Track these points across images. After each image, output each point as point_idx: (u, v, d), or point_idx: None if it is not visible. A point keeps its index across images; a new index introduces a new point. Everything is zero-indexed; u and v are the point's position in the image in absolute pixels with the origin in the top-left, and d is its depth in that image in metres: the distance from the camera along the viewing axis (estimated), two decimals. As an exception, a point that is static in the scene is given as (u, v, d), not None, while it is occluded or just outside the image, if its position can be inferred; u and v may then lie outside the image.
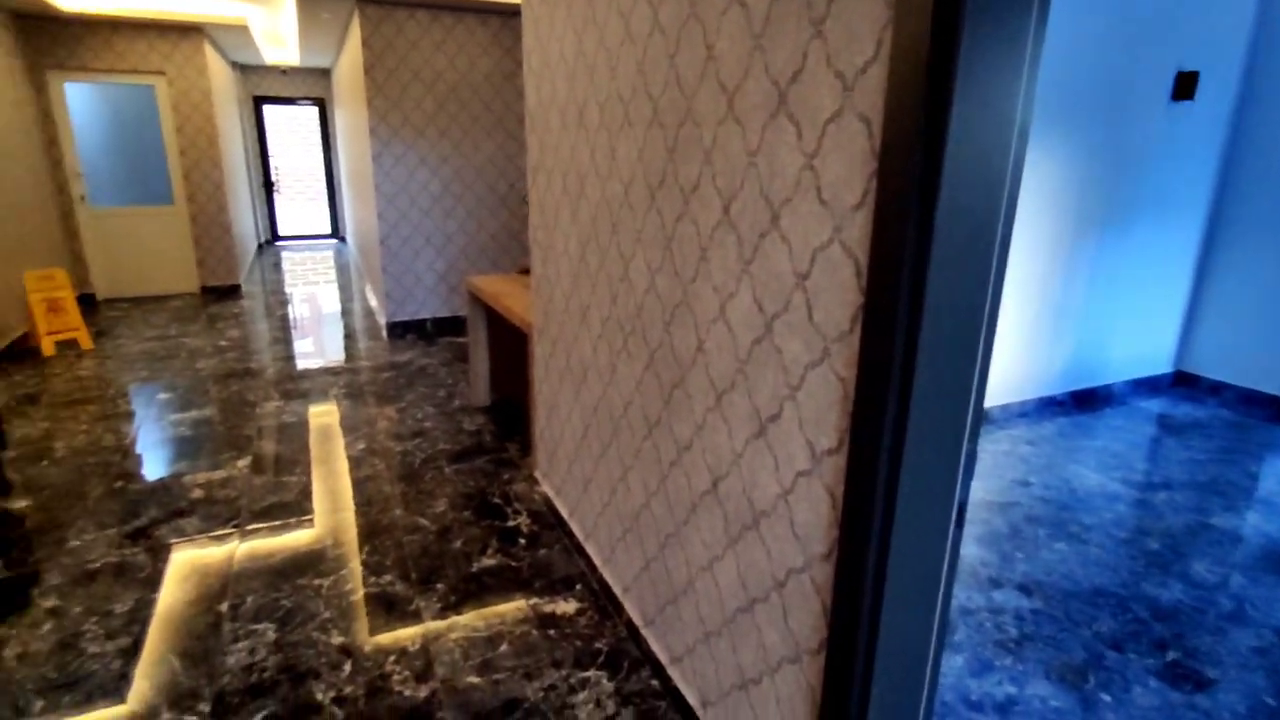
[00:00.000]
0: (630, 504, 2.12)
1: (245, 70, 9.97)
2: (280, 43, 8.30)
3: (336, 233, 11.36)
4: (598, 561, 2.46)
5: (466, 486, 3.21)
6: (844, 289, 1.15)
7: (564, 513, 2.79)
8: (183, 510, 2.98)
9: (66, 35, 6.25)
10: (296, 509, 2.99)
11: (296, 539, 2.77)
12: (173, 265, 7.08)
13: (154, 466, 3.38)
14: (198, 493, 3.13)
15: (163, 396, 4.31)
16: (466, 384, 4.55)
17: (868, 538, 1.12)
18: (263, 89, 10.13)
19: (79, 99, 6.54)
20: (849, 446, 1.15)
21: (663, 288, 1.77)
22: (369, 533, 2.81)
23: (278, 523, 2.88)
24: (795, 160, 1.23)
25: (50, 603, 2.38)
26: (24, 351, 5.12)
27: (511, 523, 2.91)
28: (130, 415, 4.00)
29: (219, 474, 3.30)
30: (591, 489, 2.45)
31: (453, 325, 5.94)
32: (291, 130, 14.23)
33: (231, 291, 7.30)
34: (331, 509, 2.99)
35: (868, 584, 1.14)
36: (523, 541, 2.77)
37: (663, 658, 2.00)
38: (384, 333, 5.81)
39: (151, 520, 2.90)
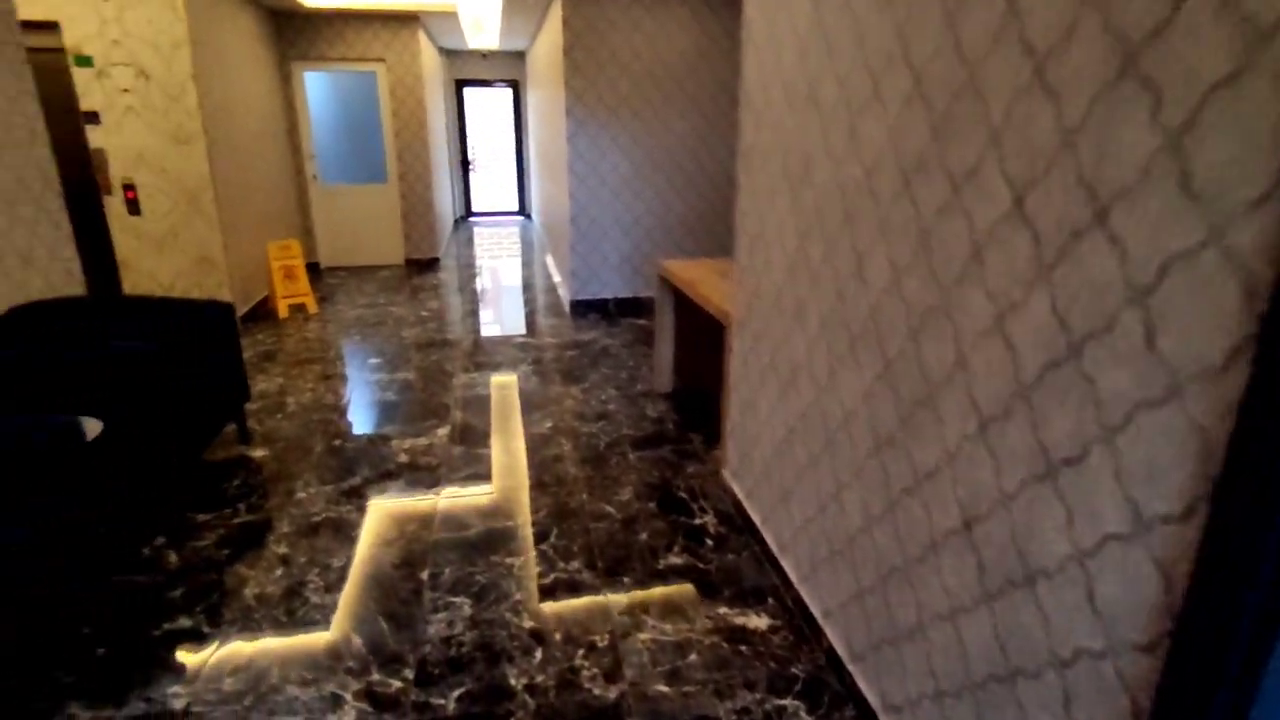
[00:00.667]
0: (843, 525, 1.92)
1: (450, 55, 10.64)
2: (482, 28, 8.71)
3: (523, 210, 11.91)
4: (794, 577, 2.28)
5: (651, 476, 3.15)
6: (1219, 312, 0.87)
7: (755, 519, 2.63)
8: (390, 472, 3.18)
9: (308, 28, 6.94)
10: (489, 483, 3.08)
11: (490, 514, 2.84)
12: (383, 238, 7.73)
13: (365, 426, 3.65)
14: (403, 457, 3.33)
15: (373, 360, 4.67)
16: (649, 368, 4.51)
17: (1230, 647, 0.85)
18: (464, 72, 10.76)
19: (313, 87, 7.25)
20: (1207, 519, 0.88)
21: (911, 289, 1.54)
22: (557, 515, 2.83)
23: (472, 494, 2.98)
24: (1145, 140, 0.96)
25: (281, 549, 2.61)
26: (264, 313, 5.80)
27: (698, 520, 2.80)
28: (345, 377, 4.37)
29: (421, 441, 3.50)
30: (792, 500, 2.27)
31: (633, 307, 5.95)
32: (488, 111, 14.99)
33: (431, 264, 7.84)
34: (520, 485, 3.05)
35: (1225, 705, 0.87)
36: (710, 542, 2.65)
37: (873, 701, 1.79)
38: (567, 310, 5.94)
39: (363, 480, 3.11)
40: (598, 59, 5.32)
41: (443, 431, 3.61)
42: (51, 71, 4.81)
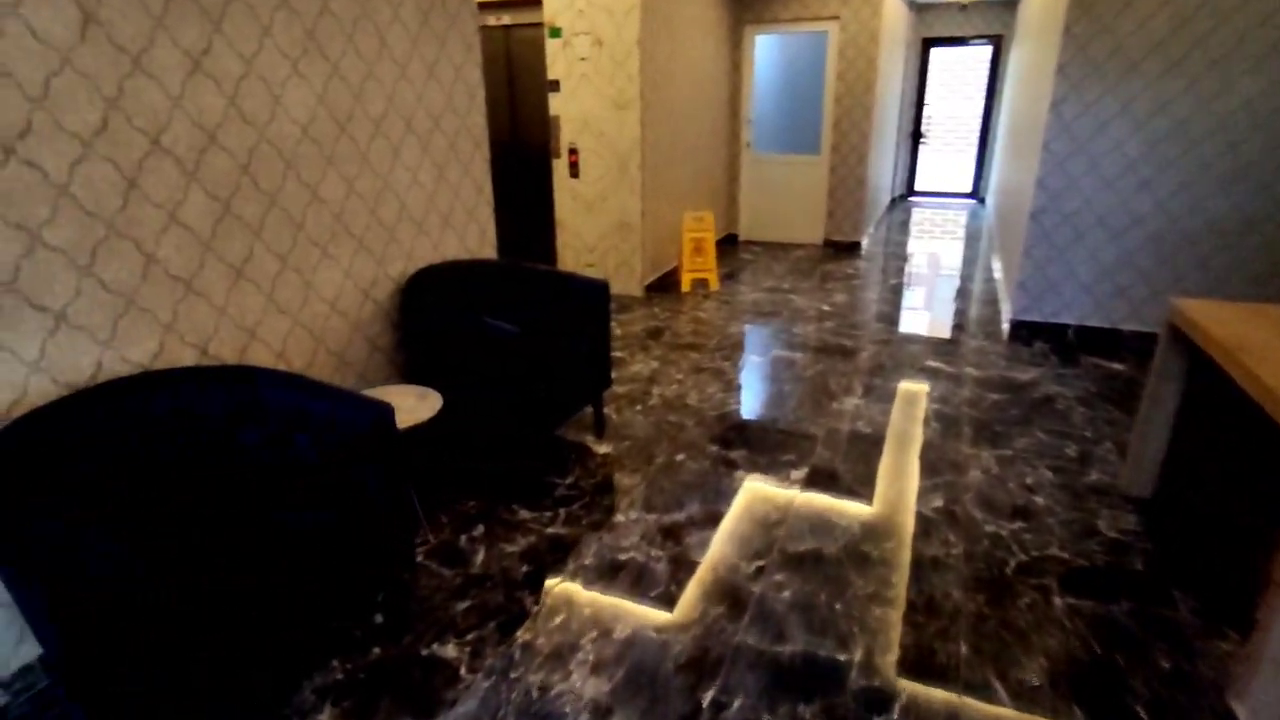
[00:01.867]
0: None
1: (920, 10, 9.34)
2: (968, -29, 7.27)
3: (975, 193, 10.13)
4: None
5: (1086, 650, 1.95)
6: None
7: None
8: (716, 515, 2.59)
9: (767, -12, 6.56)
10: (829, 572, 2.27)
11: (815, 628, 2.04)
12: (805, 215, 7.15)
13: (715, 444, 3.13)
14: (740, 498, 2.71)
15: (752, 358, 4.14)
16: (1117, 450, 3.06)
17: None
18: (935, 29, 9.36)
19: (759, 49, 6.90)
20: None
21: None
22: (913, 664, 1.89)
23: (801, 583, 2.21)
24: None
25: (567, 591, 2.23)
26: (669, 283, 5.74)
27: (1169, 797, 1.57)
28: (717, 374, 3.92)
29: (768, 480, 2.83)
30: None
31: (1105, 343, 4.28)
32: (955, 74, 13.19)
33: (851, 249, 7.01)
34: (873, 593, 2.17)
35: None
36: None
37: None
38: (1003, 331, 4.57)
39: (688, 519, 2.58)
40: (1126, -11, 3.73)
41: (797, 474, 2.88)
42: (533, 45, 5.28)
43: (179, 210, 2.13)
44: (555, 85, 5.23)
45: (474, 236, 3.48)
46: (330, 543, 1.89)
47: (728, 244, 7.33)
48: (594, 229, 5.44)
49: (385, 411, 2.02)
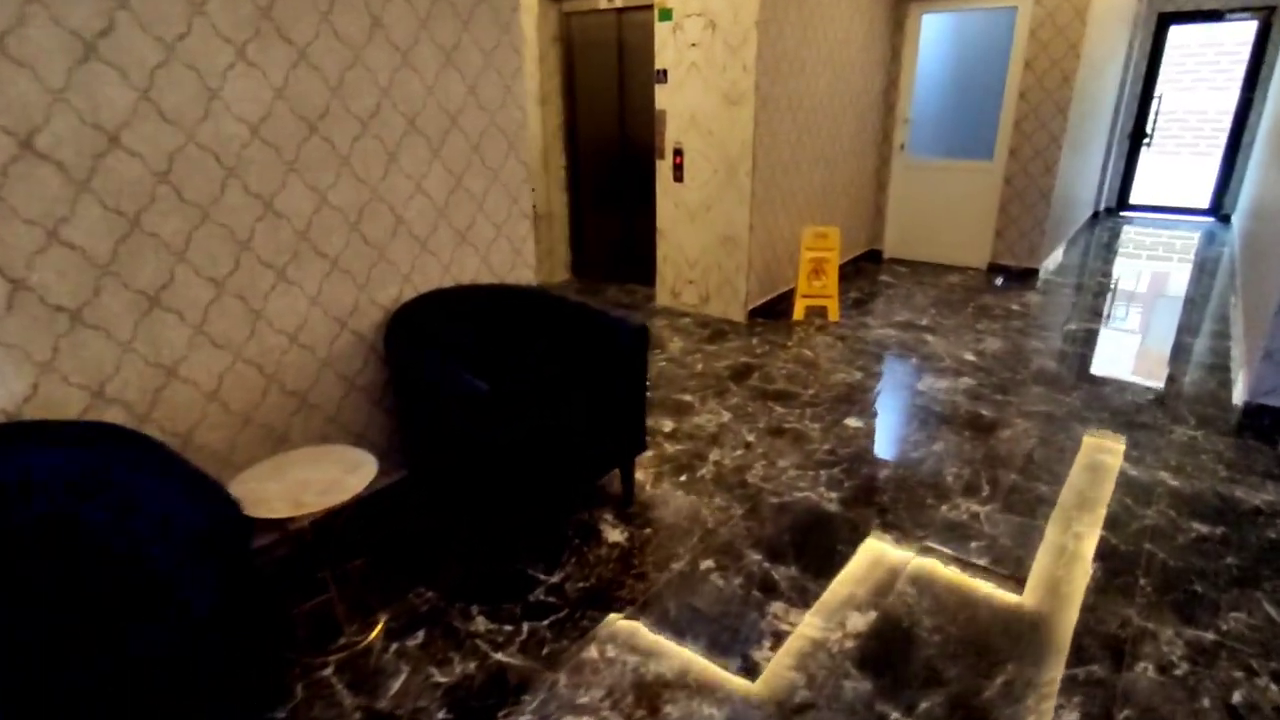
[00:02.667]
0: None
1: (1161, -19, 7.52)
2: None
3: (1216, 209, 8.06)
4: None
5: None
6: None
7: None
8: (735, 661, 1.84)
9: (942, -44, 5.42)
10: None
11: None
12: (966, 232, 5.91)
13: (757, 551, 2.34)
14: (766, 648, 1.93)
15: (849, 424, 3.25)
16: (1407, 660, 1.89)
17: None
18: (1177, 1, 7.50)
19: (927, 34, 5.75)
20: None
21: None
22: None
23: None
24: None
25: None
26: (781, 308, 4.88)
27: None
28: (798, 440, 3.09)
29: (819, 628, 2.01)
30: None
31: (1400, 449, 2.89)
32: (1202, 59, 10.88)
33: (1023, 277, 5.68)
34: None
35: None
36: None
37: None
38: (1231, 418, 3.27)
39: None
40: None
41: (854, 624, 2.04)
42: (649, 31, 4.65)
43: (61, 228, 1.75)
44: (663, 76, 4.56)
45: (502, 257, 2.93)
46: (152, 673, 1.40)
47: (869, 261, 6.27)
48: (696, 241, 4.73)
49: (225, 507, 1.50)
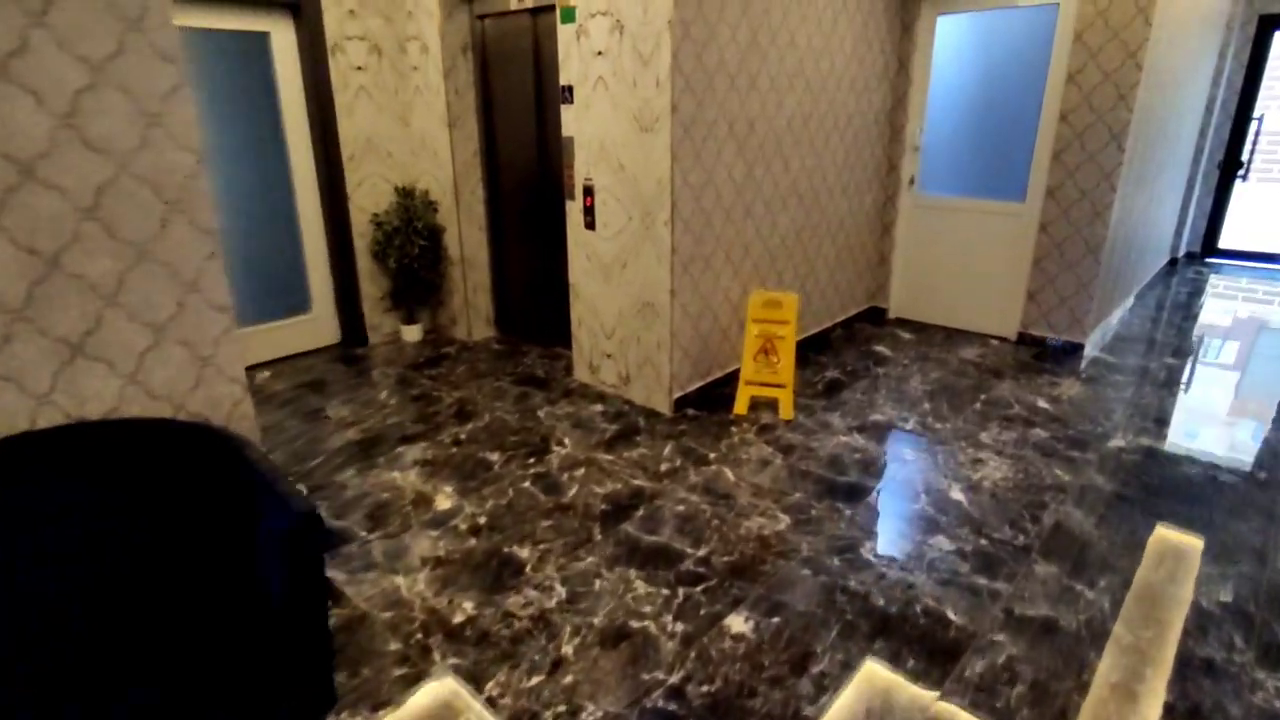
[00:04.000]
0: None
1: (1262, -24, 6.06)
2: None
3: (1329, 254, 6.47)
4: None
5: None
6: None
7: None
8: None
9: (962, -59, 4.22)
10: None
11: None
12: (990, 293, 4.64)
13: None
14: None
15: (735, 628, 2.12)
16: None
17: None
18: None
19: (941, 40, 4.54)
20: None
21: None
22: None
23: None
24: None
25: None
26: (718, 397, 3.75)
27: None
28: (638, 673, 1.98)
29: None
30: None
31: None
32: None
33: (1063, 355, 4.37)
34: None
35: None
36: None
37: None
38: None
39: None
40: None
41: None
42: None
43: None
44: (568, 94, 3.54)
45: (173, 372, 1.93)
46: None
47: (869, 321, 5.06)
48: (612, 305, 3.67)
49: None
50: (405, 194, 4.49)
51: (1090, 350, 4.39)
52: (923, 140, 4.71)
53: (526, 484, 2.92)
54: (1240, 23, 6.18)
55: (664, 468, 3.04)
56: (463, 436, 3.34)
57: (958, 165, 4.69)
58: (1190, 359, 4.31)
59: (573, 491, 2.86)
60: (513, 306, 4.73)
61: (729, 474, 2.99)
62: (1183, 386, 3.88)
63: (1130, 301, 5.37)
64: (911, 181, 4.79)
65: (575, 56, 3.43)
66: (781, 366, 3.50)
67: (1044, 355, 4.34)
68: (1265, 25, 6.21)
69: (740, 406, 3.57)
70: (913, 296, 5.01)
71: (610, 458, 3.14)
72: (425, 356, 4.41)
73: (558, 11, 3.44)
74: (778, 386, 3.52)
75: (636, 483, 2.92)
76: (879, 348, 4.52)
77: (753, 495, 2.82)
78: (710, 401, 3.70)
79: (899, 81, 4.66)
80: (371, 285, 4.57)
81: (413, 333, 4.70)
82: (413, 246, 4.43)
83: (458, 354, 4.46)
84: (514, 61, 4.11)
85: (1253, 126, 6.53)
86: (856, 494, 2.83)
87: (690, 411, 3.59)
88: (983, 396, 3.75)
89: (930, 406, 3.63)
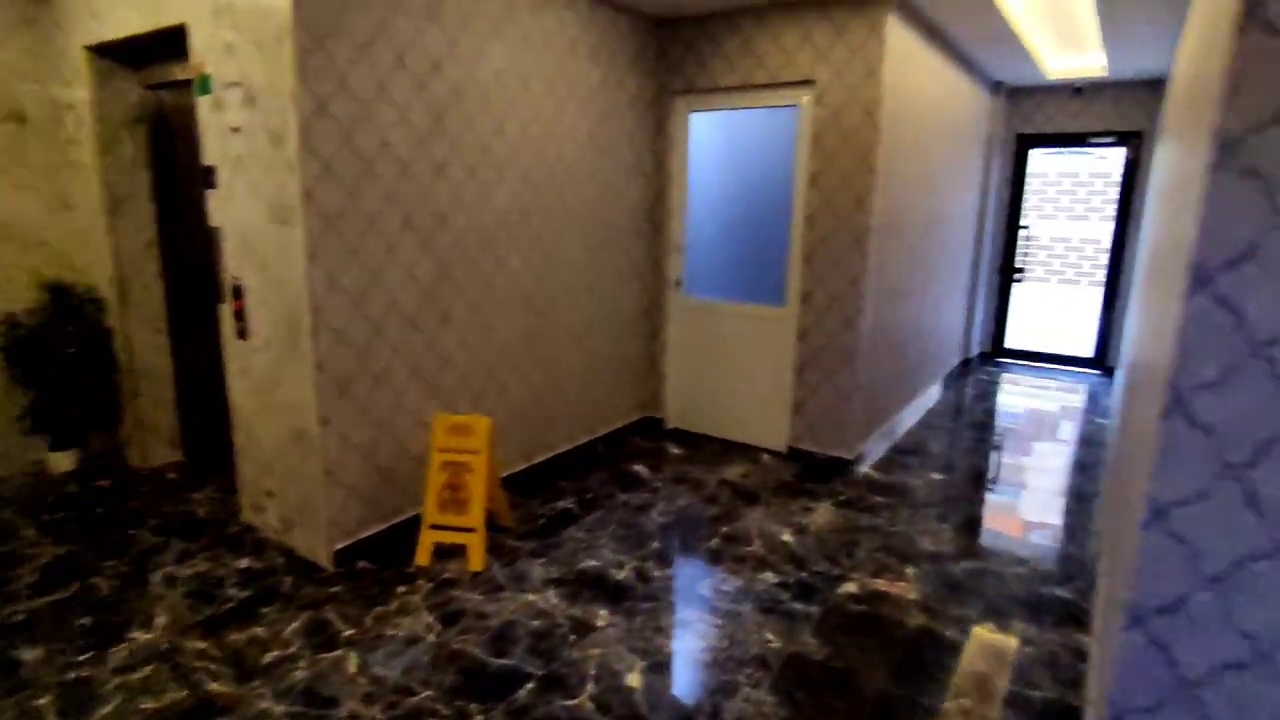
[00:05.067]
0: None
1: (1013, 96, 6.47)
2: (1076, 43, 4.46)
3: (1100, 359, 6.72)
4: None
5: None
6: None
7: None
8: None
9: (701, 38, 4.06)
10: None
11: None
12: (759, 401, 4.29)
13: None
14: None
15: None
16: None
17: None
18: (1036, 123, 6.42)
19: (698, 138, 4.33)
20: None
21: None
22: None
23: None
24: None
25: None
26: (398, 549, 3.04)
27: None
28: None
29: None
30: None
31: None
32: (1066, 187, 10.25)
33: (830, 470, 4.01)
34: None
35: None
36: None
37: None
38: None
39: None
40: None
41: None
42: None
43: None
44: (210, 177, 2.91)
45: None
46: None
47: (643, 433, 4.57)
48: (270, 432, 2.94)
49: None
50: (57, 290, 3.65)
51: (861, 466, 4.05)
52: (686, 240, 4.41)
53: (45, 698, 2.06)
54: (1001, 140, 6.54)
55: (269, 659, 2.28)
56: (18, 618, 2.45)
57: (722, 266, 4.40)
58: (963, 475, 4.05)
59: (106, 710, 2.03)
60: (201, 425, 3.89)
61: (352, 663, 2.26)
62: (946, 510, 3.56)
63: (920, 405, 5.21)
64: (678, 283, 4.45)
65: (214, 132, 2.83)
66: (471, 505, 2.87)
67: (809, 473, 3.96)
68: (1023, 144, 6.60)
69: (421, 556, 2.87)
70: (688, 406, 4.59)
71: (204, 645, 2.34)
72: (64, 493, 3.46)
73: (196, 82, 2.86)
74: (466, 530, 2.87)
75: (212, 688, 2.13)
76: (637, 467, 4.00)
77: (362, 699, 2.10)
78: (392, 549, 2.98)
79: (657, 178, 4.39)
80: (6, 401, 3.62)
81: (63, 460, 3.73)
82: (60, 353, 3.56)
83: (113, 488, 3.54)
84: (187, 136, 3.47)
85: (1021, 234, 6.85)
86: (505, 687, 2.16)
87: (361, 564, 2.86)
88: (724, 530, 3.25)
89: (659, 546, 3.09)
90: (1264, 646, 1.24)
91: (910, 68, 3.97)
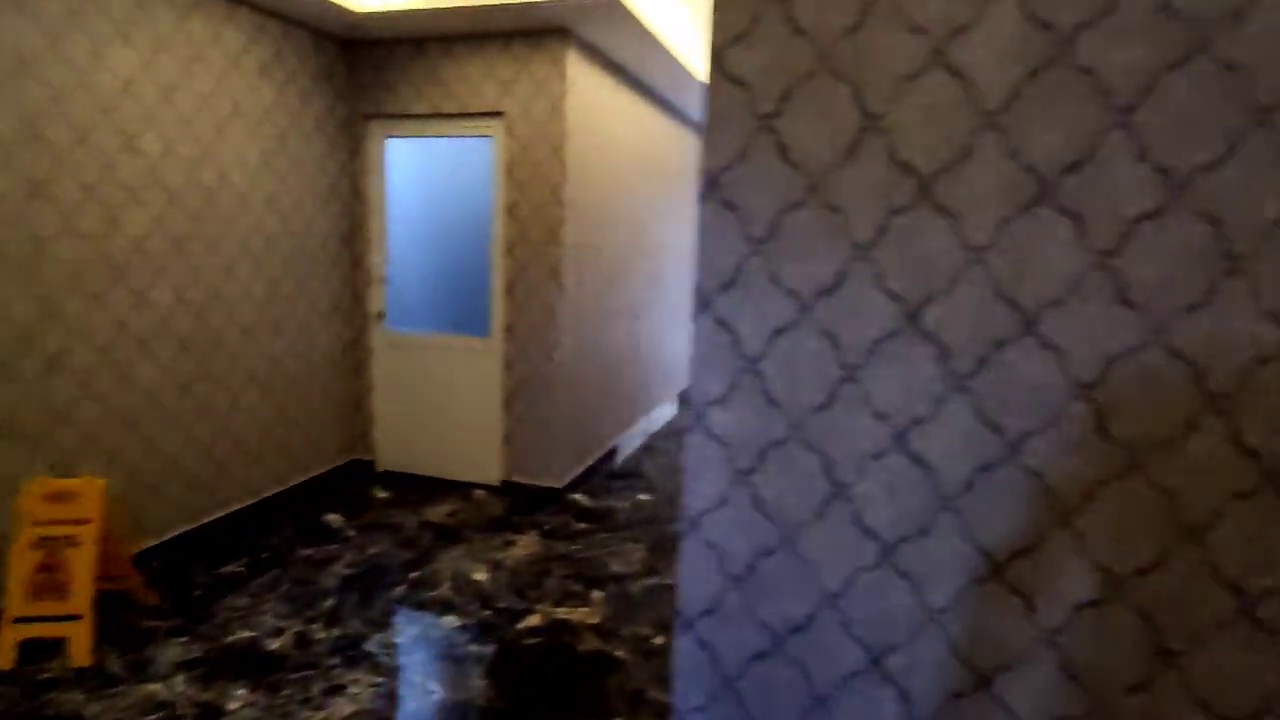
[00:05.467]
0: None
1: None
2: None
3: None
4: None
5: None
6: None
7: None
8: None
9: (389, 63, 3.93)
10: None
11: None
12: (471, 436, 4.18)
13: None
14: None
15: None
16: None
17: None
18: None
19: (398, 166, 4.19)
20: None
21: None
22: None
23: None
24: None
25: None
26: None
27: None
28: None
29: None
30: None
31: None
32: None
33: (545, 502, 4.01)
34: None
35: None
36: None
37: None
38: None
39: None
40: None
41: None
42: None
43: None
44: None
45: None
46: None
47: (353, 478, 4.23)
48: None
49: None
50: None
51: (574, 494, 4.09)
52: (388, 271, 4.20)
53: None
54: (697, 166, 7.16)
55: None
56: None
57: (428, 298, 4.25)
58: (665, 495, 4.25)
59: None
60: None
61: None
62: (641, 531, 3.69)
63: (645, 428, 5.43)
64: (381, 316, 4.21)
65: None
66: (74, 588, 2.39)
67: (519, 506, 3.91)
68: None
69: (3, 659, 2.33)
70: (399, 446, 4.33)
71: None
72: None
73: None
74: (70, 619, 2.39)
75: None
76: (330, 516, 3.66)
77: None
78: (-31, 654, 2.39)
79: (355, 207, 4.14)
80: None
81: None
82: None
83: None
84: None
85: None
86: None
87: (-86, 680, 2.25)
88: (413, 575, 3.07)
89: (333, 603, 2.82)
90: (779, 634, 1.36)
91: (601, 106, 4.16)
